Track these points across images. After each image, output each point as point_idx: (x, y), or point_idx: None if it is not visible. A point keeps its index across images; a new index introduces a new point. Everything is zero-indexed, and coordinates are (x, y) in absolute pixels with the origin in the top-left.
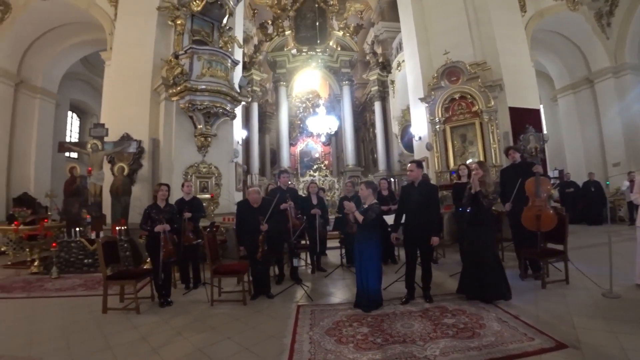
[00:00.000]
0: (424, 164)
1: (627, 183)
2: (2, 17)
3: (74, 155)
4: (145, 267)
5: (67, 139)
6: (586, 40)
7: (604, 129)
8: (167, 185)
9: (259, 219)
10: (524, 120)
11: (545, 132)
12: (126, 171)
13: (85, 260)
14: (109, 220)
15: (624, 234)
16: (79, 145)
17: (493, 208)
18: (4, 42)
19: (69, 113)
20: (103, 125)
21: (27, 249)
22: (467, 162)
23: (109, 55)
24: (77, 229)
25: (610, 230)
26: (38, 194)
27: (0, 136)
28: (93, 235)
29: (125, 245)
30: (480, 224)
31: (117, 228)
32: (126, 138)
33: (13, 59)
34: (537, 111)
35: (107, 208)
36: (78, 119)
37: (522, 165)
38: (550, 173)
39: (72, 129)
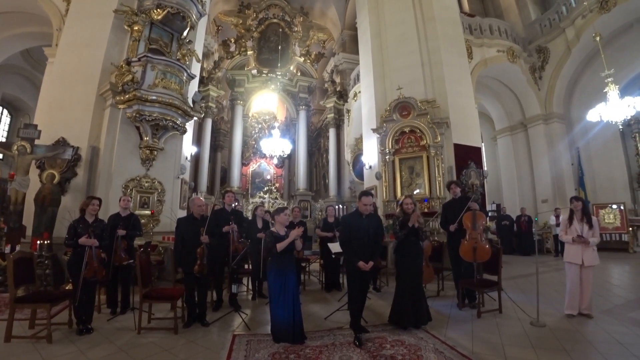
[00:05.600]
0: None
1: (553, 218)
2: None
3: None
4: (66, 288)
5: None
6: (522, 89)
7: (534, 168)
8: (99, 199)
9: (200, 230)
10: (467, 156)
11: (485, 168)
12: (57, 179)
13: None
14: (29, 232)
15: (551, 265)
16: (3, 146)
17: (436, 239)
18: None
19: None
20: (35, 126)
21: None
22: (415, 192)
23: (54, 52)
24: None
25: (538, 262)
26: None
27: None
28: (8, 249)
29: (46, 262)
30: (416, 255)
31: (38, 242)
32: (61, 143)
33: None
34: (479, 149)
35: (29, 219)
36: (9, 116)
37: (463, 200)
38: (488, 207)
39: (1, 127)
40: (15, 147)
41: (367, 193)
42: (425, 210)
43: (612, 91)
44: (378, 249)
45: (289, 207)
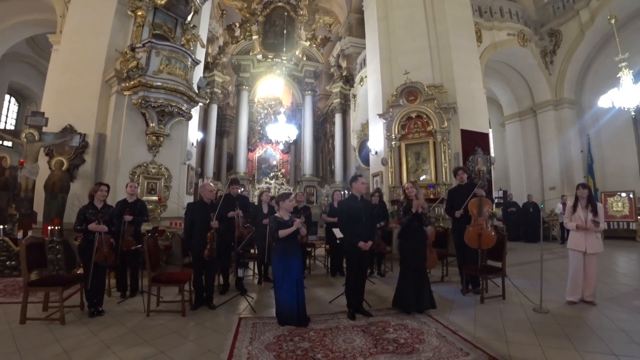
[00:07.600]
0: (377, 178)
1: (560, 205)
2: None
3: (8, 143)
4: (77, 272)
5: (2, 126)
6: (532, 73)
7: (543, 155)
8: (107, 185)
9: (210, 216)
10: (474, 142)
11: (492, 155)
12: (65, 166)
13: (8, 263)
14: (40, 218)
15: (556, 252)
16: (12, 134)
17: (441, 225)
18: None
19: (7, 97)
20: (43, 114)
21: None
22: (421, 178)
23: (58, 39)
24: (2, 226)
25: (543, 249)
26: None
27: None
28: (20, 235)
29: (58, 247)
30: (420, 240)
31: (49, 228)
32: (69, 130)
33: None
34: (486, 135)
35: (39, 205)
36: (17, 104)
37: (469, 186)
38: (495, 193)
39: (9, 115)
40: (23, 135)
41: (359, 175)
42: (431, 196)
43: (626, 76)
44: (375, 229)
45: (294, 192)
